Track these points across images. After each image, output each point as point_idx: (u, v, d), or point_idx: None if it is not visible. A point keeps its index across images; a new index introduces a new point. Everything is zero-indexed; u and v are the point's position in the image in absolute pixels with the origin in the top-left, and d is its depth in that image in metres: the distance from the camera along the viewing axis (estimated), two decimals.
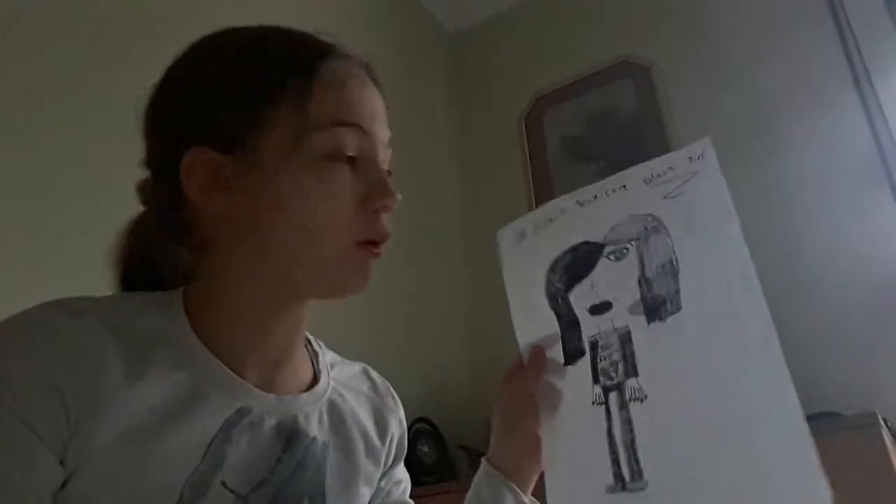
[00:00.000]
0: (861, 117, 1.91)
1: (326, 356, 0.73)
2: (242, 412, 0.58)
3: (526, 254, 0.73)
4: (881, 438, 1.32)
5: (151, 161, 0.62)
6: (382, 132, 0.62)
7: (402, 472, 0.76)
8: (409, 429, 1.77)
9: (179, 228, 0.62)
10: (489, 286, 2.43)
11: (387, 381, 0.78)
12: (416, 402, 1.89)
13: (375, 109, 0.62)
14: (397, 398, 0.77)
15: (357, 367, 0.76)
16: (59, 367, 0.51)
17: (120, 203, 0.64)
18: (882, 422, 1.35)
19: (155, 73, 0.62)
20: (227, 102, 0.58)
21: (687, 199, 0.64)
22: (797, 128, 1.99)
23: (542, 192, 2.36)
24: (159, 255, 0.65)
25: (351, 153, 0.58)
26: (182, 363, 0.57)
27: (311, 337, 0.73)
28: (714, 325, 0.60)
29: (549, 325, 0.70)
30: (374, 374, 0.77)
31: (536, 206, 2.28)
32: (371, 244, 0.59)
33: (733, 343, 0.58)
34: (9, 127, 1.13)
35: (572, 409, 0.67)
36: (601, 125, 2.34)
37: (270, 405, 0.61)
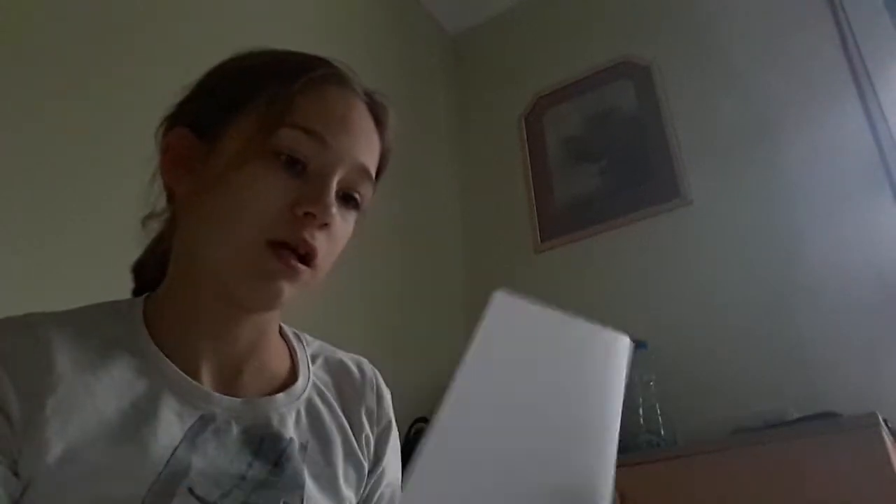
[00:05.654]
0: (861, 117, 1.91)
1: (309, 350, 0.72)
2: (206, 419, 0.58)
3: None
4: (881, 438, 1.32)
5: None
6: (353, 154, 0.61)
7: (390, 474, 0.70)
8: (409, 428, 1.78)
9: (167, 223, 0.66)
10: (489, 286, 2.43)
11: (376, 376, 0.74)
12: (416, 401, 1.88)
13: (352, 130, 0.61)
14: (382, 393, 0.73)
15: (349, 360, 0.74)
16: (4, 381, 0.52)
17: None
18: (882, 422, 1.35)
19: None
20: (213, 95, 0.64)
21: None
22: (797, 128, 1.99)
23: (542, 191, 2.36)
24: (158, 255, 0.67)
25: (297, 156, 0.58)
26: (142, 371, 0.58)
27: (290, 331, 0.72)
28: None
29: None
30: (366, 367, 0.74)
31: (536, 206, 2.33)
32: (284, 248, 0.56)
33: None
34: (9, 126, 1.13)
35: None
36: (601, 125, 2.34)
37: (236, 410, 0.60)
